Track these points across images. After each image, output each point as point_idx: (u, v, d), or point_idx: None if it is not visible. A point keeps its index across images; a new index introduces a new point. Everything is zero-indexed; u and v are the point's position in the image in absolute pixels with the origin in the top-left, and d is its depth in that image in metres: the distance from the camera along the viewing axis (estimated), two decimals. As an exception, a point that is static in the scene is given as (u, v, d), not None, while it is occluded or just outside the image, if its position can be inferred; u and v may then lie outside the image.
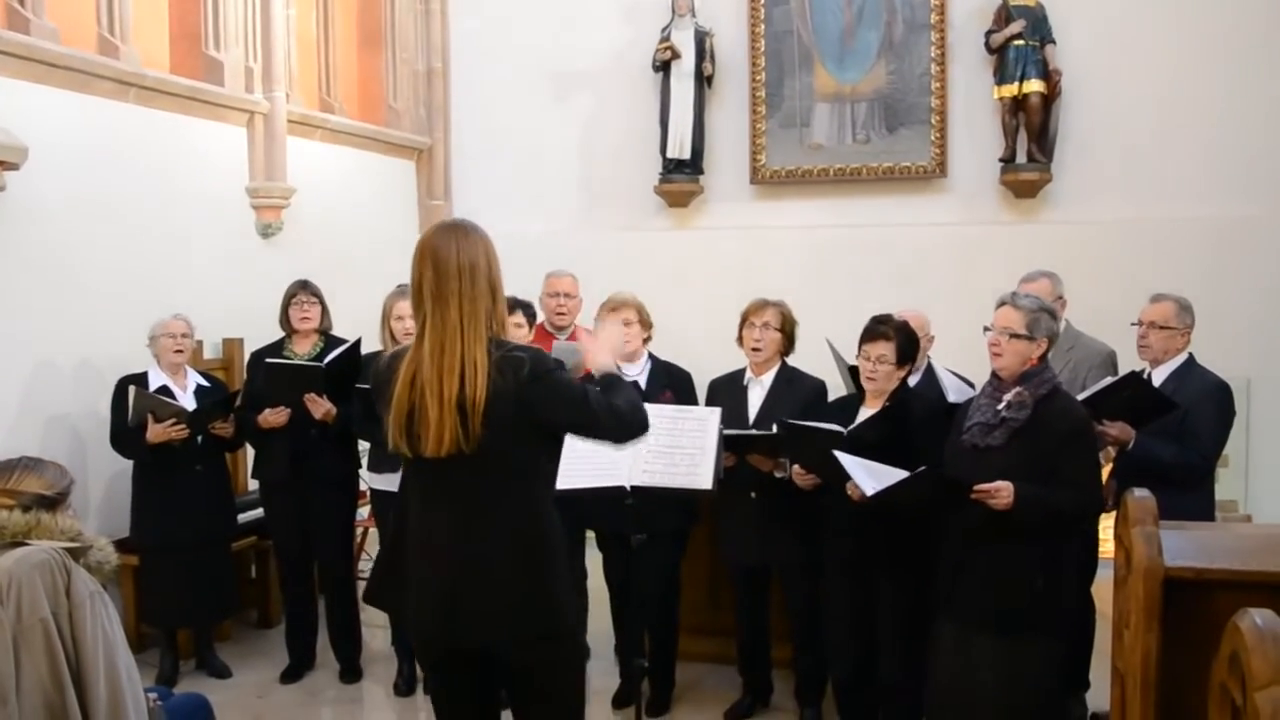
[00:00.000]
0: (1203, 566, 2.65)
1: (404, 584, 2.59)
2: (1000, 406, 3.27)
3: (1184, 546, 2.73)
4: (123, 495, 4.80)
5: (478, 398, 2.36)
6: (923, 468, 3.22)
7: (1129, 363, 4.16)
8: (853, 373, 3.94)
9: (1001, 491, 3.11)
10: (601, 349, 2.73)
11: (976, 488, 3.13)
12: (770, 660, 4.44)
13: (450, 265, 2.42)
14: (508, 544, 2.48)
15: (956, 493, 3.17)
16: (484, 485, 2.46)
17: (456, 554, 2.48)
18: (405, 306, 4.46)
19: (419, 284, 2.45)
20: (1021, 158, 6.63)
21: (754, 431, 3.96)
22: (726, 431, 3.66)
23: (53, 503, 2.67)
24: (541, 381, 2.42)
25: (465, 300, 2.41)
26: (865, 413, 3.77)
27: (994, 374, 3.38)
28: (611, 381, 2.60)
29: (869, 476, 3.31)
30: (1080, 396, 3.66)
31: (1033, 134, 6.57)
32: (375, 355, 4.58)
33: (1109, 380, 3.92)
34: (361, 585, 5.34)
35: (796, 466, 3.83)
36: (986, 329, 3.39)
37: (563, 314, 4.97)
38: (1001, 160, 6.68)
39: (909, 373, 3.81)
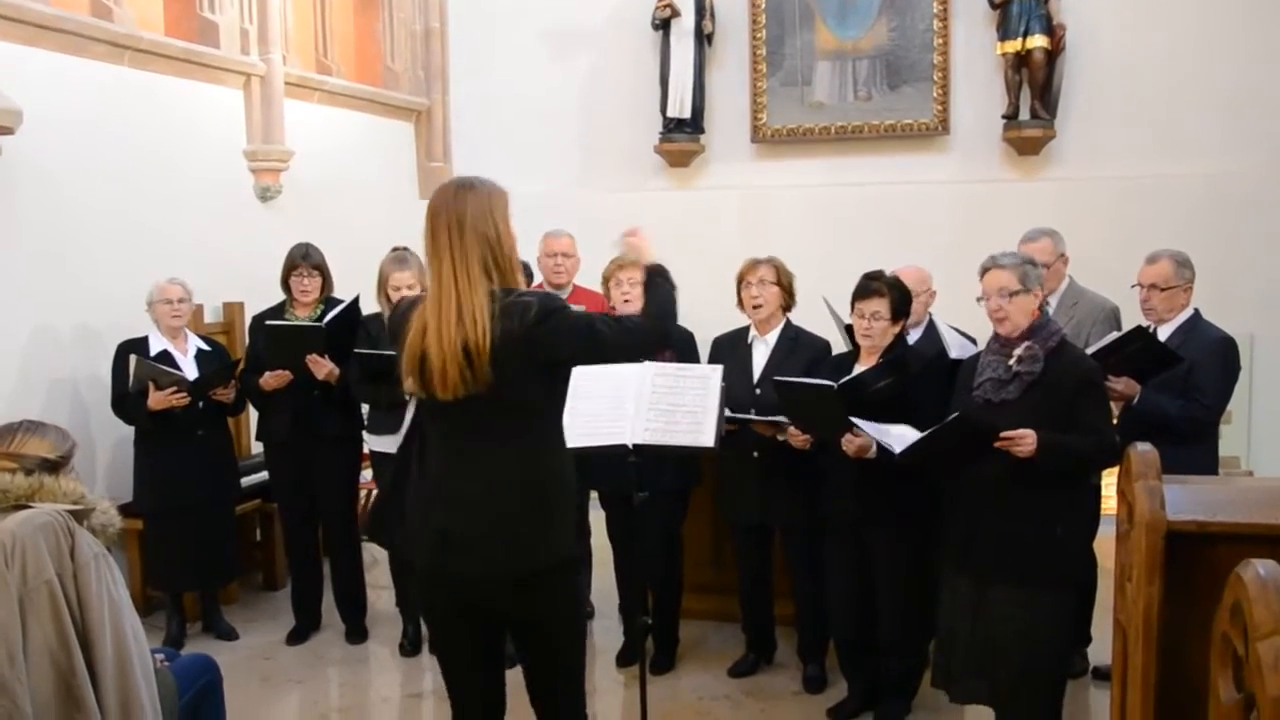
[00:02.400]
0: (1205, 520, 2.63)
1: (403, 520, 2.67)
2: (1012, 361, 3.30)
3: (1186, 500, 2.72)
4: (127, 460, 4.81)
5: (480, 342, 2.44)
6: (953, 415, 3.25)
7: (1132, 318, 4.15)
8: (849, 331, 3.94)
9: (1025, 439, 3.17)
10: (648, 248, 2.84)
11: (1002, 434, 3.17)
12: (773, 617, 4.47)
13: (440, 222, 2.53)
14: (512, 484, 2.55)
15: (984, 439, 3.20)
16: (493, 427, 2.54)
17: (461, 492, 2.56)
18: (402, 276, 4.45)
19: (424, 241, 2.57)
20: (1025, 114, 6.58)
21: (753, 417, 3.96)
22: (727, 414, 3.65)
23: (55, 466, 2.68)
24: (549, 320, 2.49)
25: (456, 254, 2.50)
26: (860, 369, 3.77)
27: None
28: (656, 272, 2.72)
29: (892, 438, 3.33)
30: (1087, 352, 3.65)
31: (1036, 90, 6.51)
32: (374, 317, 4.59)
33: (1114, 336, 3.91)
34: (365, 547, 5.38)
35: (791, 428, 3.83)
36: (979, 300, 3.39)
37: (560, 273, 4.95)
38: (1004, 117, 6.63)
39: (904, 328, 3.80)
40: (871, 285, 3.74)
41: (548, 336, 2.49)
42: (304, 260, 4.72)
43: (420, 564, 2.67)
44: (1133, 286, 4.05)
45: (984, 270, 3.40)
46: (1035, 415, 3.23)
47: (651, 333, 2.67)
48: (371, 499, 6.07)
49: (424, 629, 4.78)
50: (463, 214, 2.51)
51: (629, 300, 4.23)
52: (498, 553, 2.53)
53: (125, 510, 3.55)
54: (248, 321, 5.08)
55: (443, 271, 2.50)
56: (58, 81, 4.80)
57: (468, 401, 2.48)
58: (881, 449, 3.49)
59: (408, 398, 4.48)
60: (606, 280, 4.34)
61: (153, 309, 4.67)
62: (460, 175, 2.64)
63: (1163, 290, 3.94)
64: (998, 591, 3.36)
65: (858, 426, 3.43)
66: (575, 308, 2.63)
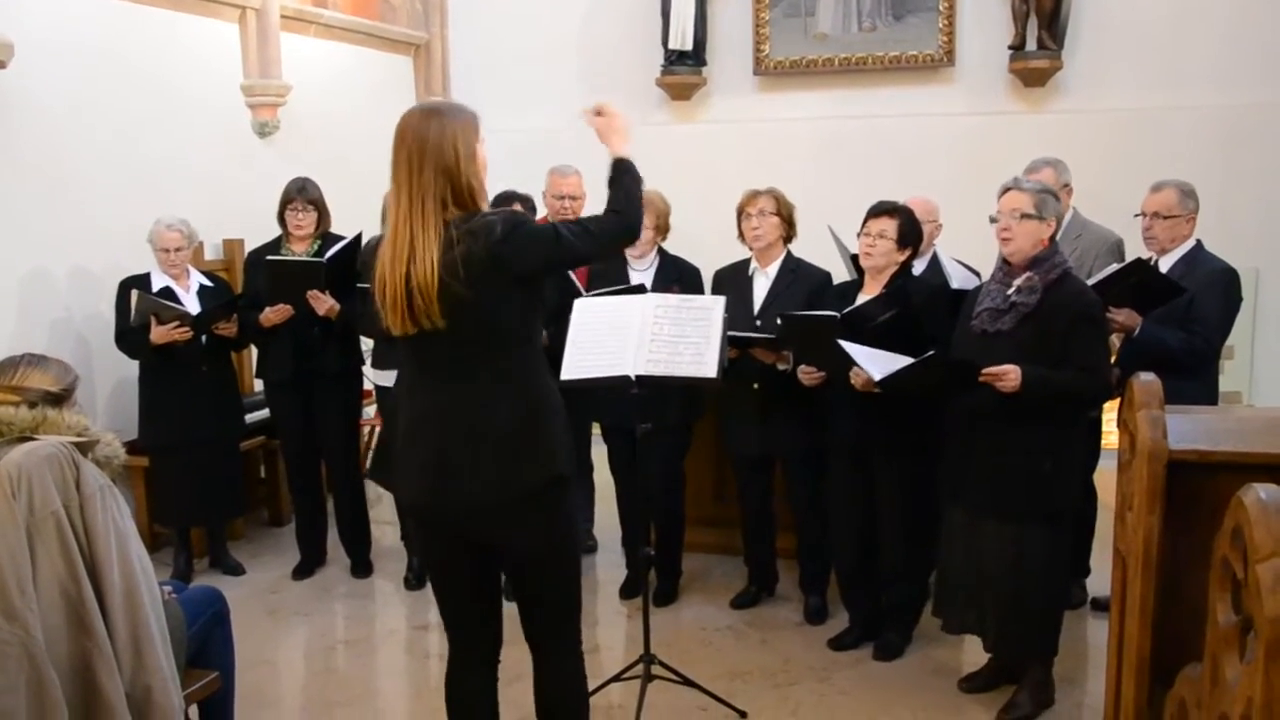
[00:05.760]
0: (1206, 449, 2.64)
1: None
2: (1010, 291, 3.29)
3: (1188, 429, 2.72)
4: (130, 398, 4.83)
5: (428, 278, 2.39)
6: (930, 352, 3.23)
7: (1136, 250, 4.13)
8: (855, 260, 3.92)
9: (1009, 374, 3.17)
10: (616, 133, 2.70)
11: (985, 371, 3.16)
12: (775, 550, 4.51)
13: (401, 151, 2.46)
14: (497, 412, 2.51)
15: (964, 376, 3.20)
16: (473, 353, 2.50)
17: (445, 424, 2.53)
18: (407, 206, 4.42)
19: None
20: (1031, 45, 6.47)
21: (756, 335, 3.95)
22: (730, 333, 3.65)
23: (58, 399, 2.67)
24: (512, 237, 2.43)
25: (414, 187, 2.44)
26: (864, 299, 3.76)
27: (1003, 260, 3.39)
28: (622, 169, 2.62)
29: (874, 363, 3.32)
30: (1088, 283, 3.64)
31: (1043, 20, 6.40)
32: (375, 250, 4.57)
33: (1115, 266, 3.90)
34: (368, 483, 5.41)
35: (802, 366, 3.83)
36: (993, 219, 3.38)
37: (566, 214, 4.90)
38: (1011, 48, 6.53)
39: (910, 259, 3.79)
40: (883, 206, 3.75)
41: (513, 251, 2.43)
42: (299, 194, 4.67)
43: (411, 500, 2.67)
44: (1136, 215, 4.03)
45: (1004, 189, 3.39)
46: (1028, 347, 3.23)
47: (616, 227, 2.58)
48: (374, 435, 6.11)
49: (428, 562, 4.83)
50: (423, 143, 2.43)
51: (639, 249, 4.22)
52: (484, 480, 2.50)
53: (130, 447, 3.57)
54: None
55: (399, 203, 2.45)
56: (49, 14, 4.71)
57: (447, 332, 2.45)
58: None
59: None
60: None
61: (153, 251, 4.65)
62: (430, 99, 2.58)
63: (1165, 219, 3.93)
64: (988, 525, 3.39)
65: (843, 348, 3.40)
66: (534, 221, 2.57)
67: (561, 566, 2.69)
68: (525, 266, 2.47)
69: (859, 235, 3.79)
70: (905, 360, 3.29)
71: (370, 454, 2.80)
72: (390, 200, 2.50)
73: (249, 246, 5.09)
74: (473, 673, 2.78)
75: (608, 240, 2.60)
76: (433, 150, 2.43)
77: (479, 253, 2.41)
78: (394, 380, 4.52)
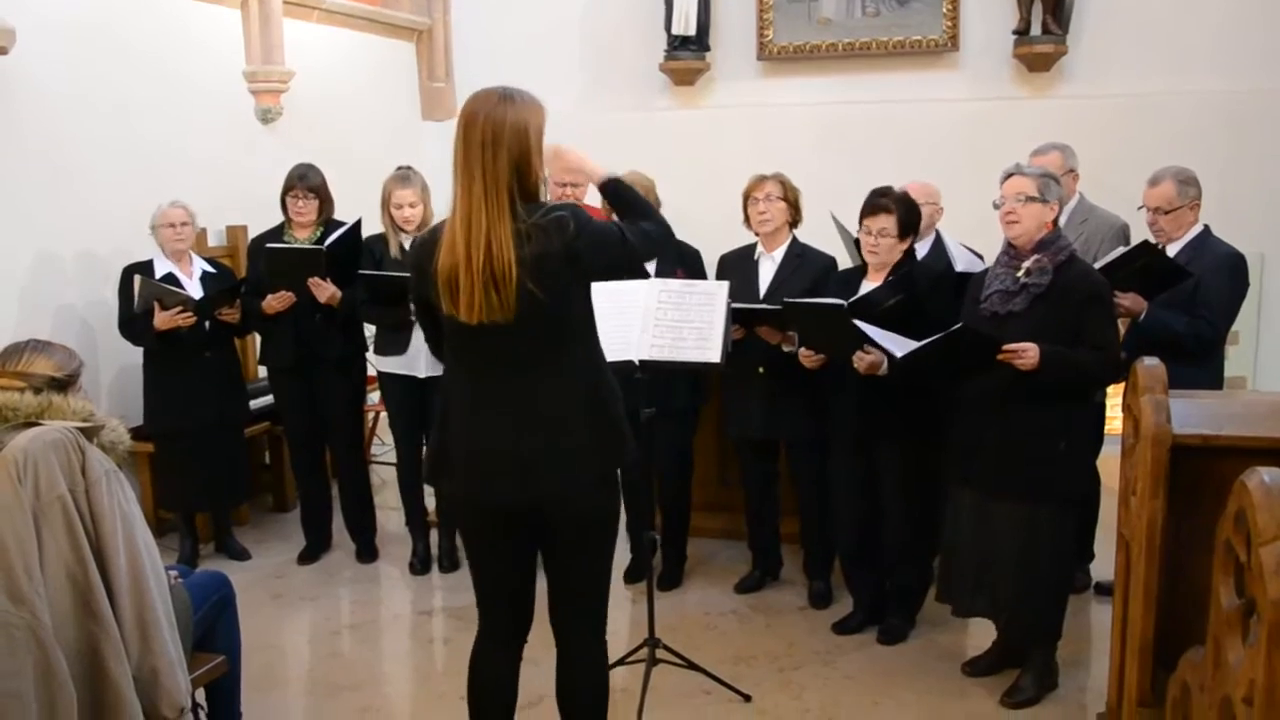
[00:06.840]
0: (1210, 433, 2.64)
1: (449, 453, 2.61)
2: (1020, 273, 3.30)
3: (1192, 414, 2.72)
4: (134, 385, 4.83)
5: (507, 271, 2.36)
6: (958, 324, 3.25)
7: (1142, 235, 4.12)
8: (858, 245, 3.92)
9: (1028, 351, 3.20)
10: (583, 163, 2.70)
11: (1005, 347, 3.20)
12: (779, 534, 4.52)
13: (475, 137, 2.40)
14: (574, 400, 2.52)
15: (988, 350, 3.21)
16: (541, 346, 2.49)
17: (524, 416, 2.50)
18: (404, 194, 4.43)
19: (453, 153, 2.44)
20: (1036, 29, 6.45)
21: (761, 305, 3.96)
22: (734, 305, 3.66)
23: (63, 384, 2.68)
24: (585, 233, 2.43)
25: (488, 175, 2.38)
26: (867, 285, 3.77)
27: (1008, 244, 3.39)
28: (617, 187, 2.64)
29: (893, 343, 3.34)
30: (1095, 267, 3.64)
31: (1048, 4, 6.37)
32: (378, 237, 4.56)
33: (1121, 250, 3.89)
34: (373, 469, 5.43)
35: (803, 348, 3.83)
36: (996, 205, 3.39)
37: (566, 201, 4.89)
38: (1015, 32, 6.51)
39: (912, 243, 3.78)
40: (879, 201, 3.72)
41: (588, 249, 2.43)
42: (300, 182, 4.66)
43: (483, 497, 2.59)
44: (1139, 209, 4.02)
45: (1006, 175, 3.41)
46: (1041, 328, 3.24)
47: (662, 232, 2.61)
48: (376, 421, 6.12)
49: (433, 548, 4.85)
50: (500, 129, 2.38)
51: None
52: (566, 473, 2.52)
53: (135, 433, 3.57)
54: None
55: (471, 190, 2.39)
56: (50, 1, 4.71)
57: (513, 326, 2.41)
58: (892, 366, 3.50)
59: (413, 320, 4.50)
60: None
61: (156, 233, 4.64)
62: (502, 85, 2.50)
63: (1167, 213, 3.92)
64: (999, 506, 3.40)
65: (860, 330, 3.41)
66: (599, 221, 2.57)
67: (606, 538, 2.72)
68: (596, 264, 2.49)
69: (859, 231, 3.78)
70: (921, 343, 3.29)
71: (427, 458, 2.77)
72: (459, 182, 2.42)
73: (252, 233, 5.10)
74: (501, 650, 2.79)
75: (659, 244, 2.64)
76: (509, 136, 2.39)
77: (556, 249, 2.39)
78: (397, 366, 4.56)
